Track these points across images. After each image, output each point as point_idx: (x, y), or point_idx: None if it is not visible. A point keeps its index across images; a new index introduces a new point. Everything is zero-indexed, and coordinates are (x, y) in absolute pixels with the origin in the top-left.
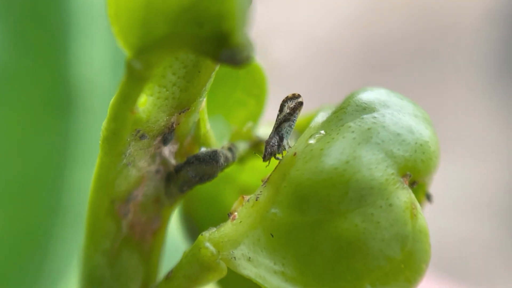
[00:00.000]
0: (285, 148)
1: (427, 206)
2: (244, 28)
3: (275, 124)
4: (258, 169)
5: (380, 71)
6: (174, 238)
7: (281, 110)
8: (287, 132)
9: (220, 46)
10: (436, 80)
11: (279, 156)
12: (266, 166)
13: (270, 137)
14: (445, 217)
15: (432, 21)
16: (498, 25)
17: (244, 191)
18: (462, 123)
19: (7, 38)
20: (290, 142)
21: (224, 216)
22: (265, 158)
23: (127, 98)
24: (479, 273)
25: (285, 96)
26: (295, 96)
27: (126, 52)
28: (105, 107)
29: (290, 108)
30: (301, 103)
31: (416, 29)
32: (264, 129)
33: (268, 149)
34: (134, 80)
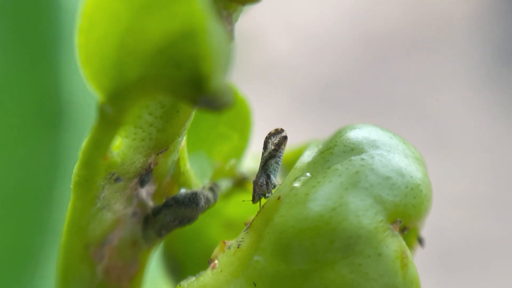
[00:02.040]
0: (274, 186)
1: None
2: (223, 72)
3: (261, 162)
4: (244, 202)
5: (377, 67)
6: (154, 274)
7: (265, 147)
8: (275, 170)
9: (198, 90)
10: (433, 75)
11: (269, 195)
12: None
13: (258, 177)
14: (441, 211)
15: (430, 15)
16: (495, 18)
17: (229, 224)
18: (458, 117)
19: None
20: (278, 179)
21: (208, 252)
22: (255, 200)
23: (99, 144)
24: (471, 266)
25: (268, 132)
26: (278, 131)
27: (98, 96)
28: None
29: (275, 144)
30: (285, 138)
31: (414, 24)
32: (249, 162)
33: (256, 189)
34: (107, 125)
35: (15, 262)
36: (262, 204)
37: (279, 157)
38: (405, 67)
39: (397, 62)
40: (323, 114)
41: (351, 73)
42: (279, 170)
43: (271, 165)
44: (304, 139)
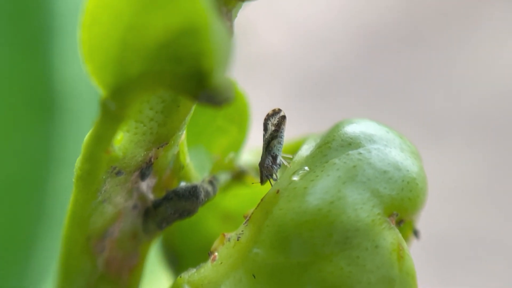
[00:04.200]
0: (280, 166)
1: None
2: (224, 68)
3: (264, 144)
4: (241, 195)
5: (373, 60)
6: (153, 266)
7: (265, 129)
8: (278, 150)
9: (200, 85)
10: (430, 71)
11: (276, 175)
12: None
13: (263, 159)
14: (434, 204)
15: (427, 11)
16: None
17: (227, 217)
18: (453, 111)
19: None
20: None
21: (206, 244)
22: (263, 182)
23: (101, 139)
24: (467, 260)
25: (266, 114)
26: (276, 112)
27: (101, 91)
28: (90, 111)
29: (275, 125)
30: (284, 117)
31: (410, 20)
32: (247, 156)
33: (264, 171)
34: (109, 120)
35: (9, 251)
36: (272, 183)
37: (281, 137)
38: (401, 64)
39: (392, 56)
40: (318, 108)
41: (346, 67)
42: (282, 149)
43: (274, 146)
44: (299, 132)
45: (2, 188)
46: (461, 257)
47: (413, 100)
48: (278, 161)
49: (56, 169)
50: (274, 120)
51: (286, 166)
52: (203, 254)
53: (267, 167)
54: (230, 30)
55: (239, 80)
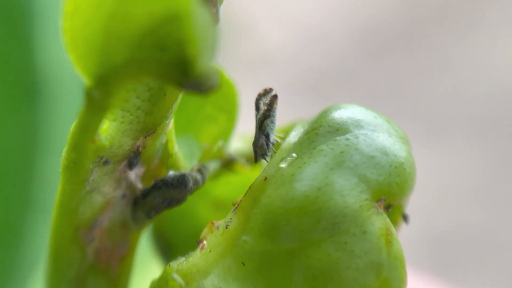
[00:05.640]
0: (273, 144)
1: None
2: (209, 55)
3: (257, 124)
4: (232, 182)
5: (370, 58)
6: (143, 255)
7: (257, 108)
8: (271, 129)
9: (184, 72)
10: (429, 69)
11: (269, 153)
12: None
13: (256, 139)
14: (434, 203)
15: (427, 9)
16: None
17: (217, 204)
18: (450, 109)
19: None
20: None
21: (197, 232)
22: (257, 160)
23: (86, 128)
24: (465, 259)
25: (257, 93)
26: (267, 91)
27: (85, 80)
28: (73, 94)
29: (266, 105)
30: (275, 96)
31: (410, 17)
32: (236, 143)
33: (257, 151)
34: (94, 109)
35: None
36: (267, 161)
37: (274, 116)
38: (400, 60)
39: (391, 54)
40: (316, 105)
41: (344, 65)
42: (275, 128)
43: (268, 125)
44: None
45: None
46: (459, 256)
47: (411, 99)
48: (271, 140)
49: (41, 155)
50: (266, 100)
51: (279, 144)
52: (195, 242)
53: (261, 146)
54: (215, 17)
55: (238, 78)
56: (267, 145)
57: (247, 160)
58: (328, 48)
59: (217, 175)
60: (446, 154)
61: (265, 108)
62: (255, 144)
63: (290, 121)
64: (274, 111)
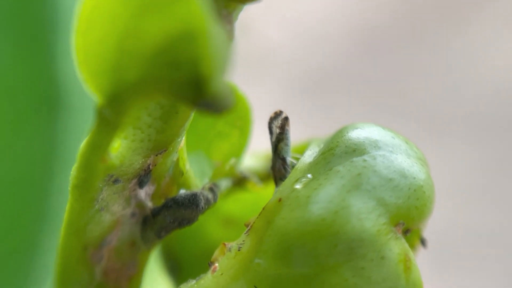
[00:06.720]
0: (291, 167)
1: None
2: (223, 74)
3: (272, 148)
4: (243, 200)
5: (372, 60)
6: (152, 274)
7: (270, 132)
8: (286, 152)
9: (198, 92)
10: (429, 68)
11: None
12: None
13: (273, 163)
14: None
15: (427, 8)
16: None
17: (228, 222)
18: (451, 108)
19: None
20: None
21: (207, 250)
22: (278, 185)
23: (97, 147)
24: (465, 258)
25: (269, 117)
26: (277, 114)
27: (97, 99)
28: (94, 107)
29: (279, 127)
30: (286, 118)
31: (410, 16)
32: (248, 161)
33: (276, 175)
34: (105, 128)
35: (13, 251)
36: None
37: (287, 138)
38: (399, 58)
39: (391, 53)
40: (316, 104)
41: (344, 64)
42: (290, 149)
43: (282, 149)
44: (297, 129)
45: (6, 187)
46: (460, 255)
47: (411, 98)
48: (287, 163)
49: (61, 168)
50: (278, 123)
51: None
52: (204, 260)
53: (279, 170)
54: (230, 34)
55: (237, 78)
56: (285, 168)
57: (259, 178)
58: (328, 48)
59: (228, 192)
60: (445, 153)
61: (278, 131)
62: (273, 168)
63: (304, 140)
64: (287, 133)
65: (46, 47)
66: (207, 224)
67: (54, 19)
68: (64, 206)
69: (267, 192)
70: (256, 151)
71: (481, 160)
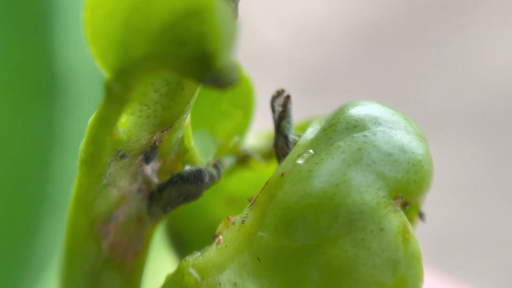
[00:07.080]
0: (293, 144)
1: None
2: (229, 50)
3: (275, 126)
4: (246, 178)
5: (371, 58)
6: (157, 250)
7: (273, 110)
8: (288, 130)
9: (204, 67)
10: (428, 66)
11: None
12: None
13: (276, 141)
14: (434, 200)
15: (425, 6)
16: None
17: (231, 200)
18: (450, 106)
19: None
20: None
21: (211, 227)
22: (280, 162)
23: (106, 122)
24: (464, 256)
25: (271, 96)
26: (279, 93)
27: (105, 74)
28: (92, 93)
29: (281, 106)
30: (288, 97)
31: (410, 15)
32: (252, 140)
33: (278, 152)
34: (113, 103)
35: (13, 235)
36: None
37: (289, 116)
38: (398, 56)
39: (391, 51)
40: (316, 103)
41: (344, 62)
42: (292, 127)
43: (284, 126)
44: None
45: (6, 173)
46: (459, 254)
47: (410, 96)
48: (290, 140)
49: (58, 154)
50: (280, 101)
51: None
52: (208, 237)
53: (281, 147)
54: (234, 12)
55: None
56: (287, 145)
57: (262, 156)
58: (327, 46)
59: (231, 171)
60: (445, 151)
61: (280, 109)
62: (275, 146)
63: (306, 118)
64: (289, 112)
65: (42, 34)
66: (211, 202)
67: (50, 6)
68: (63, 191)
69: (269, 171)
70: (259, 130)
71: (483, 159)
